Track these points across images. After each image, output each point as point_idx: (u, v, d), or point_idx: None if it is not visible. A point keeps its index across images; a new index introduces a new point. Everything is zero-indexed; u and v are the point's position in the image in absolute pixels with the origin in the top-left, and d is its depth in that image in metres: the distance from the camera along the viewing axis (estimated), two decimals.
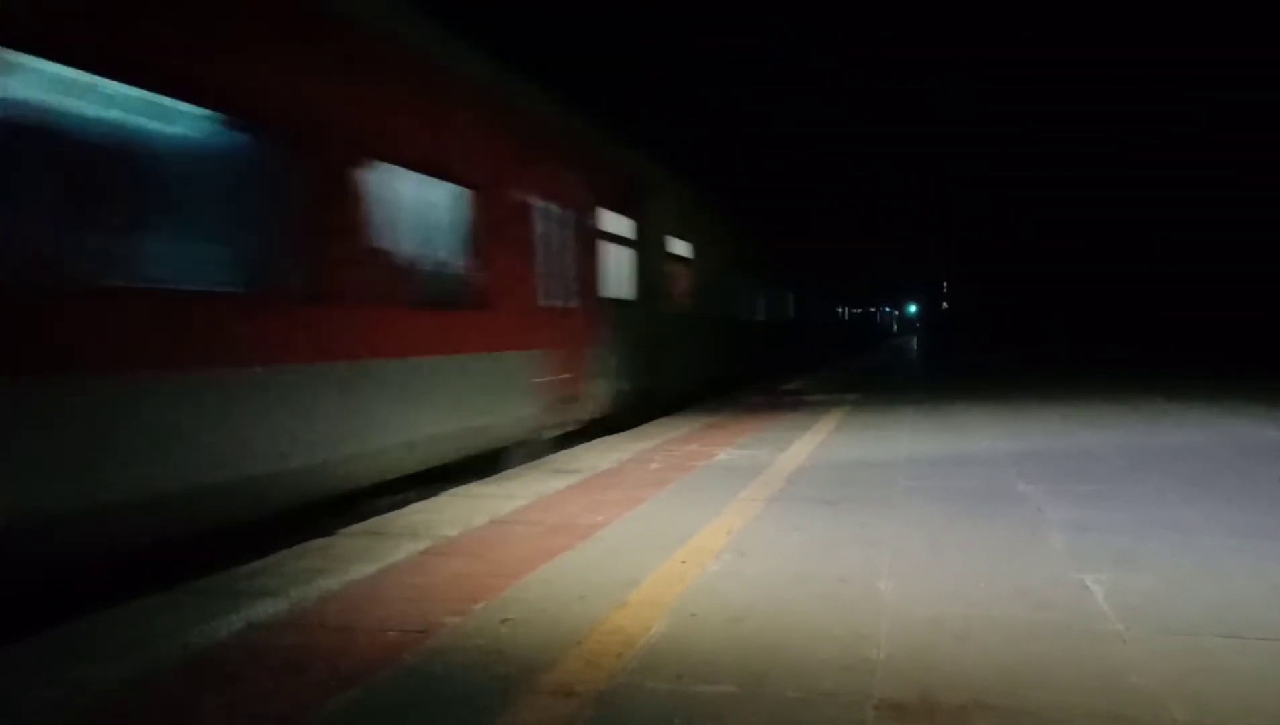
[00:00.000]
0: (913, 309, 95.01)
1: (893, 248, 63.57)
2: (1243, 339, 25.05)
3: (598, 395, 8.96)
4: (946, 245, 62.47)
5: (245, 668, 2.67)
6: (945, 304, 78.06)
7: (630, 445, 7.38)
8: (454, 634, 2.90)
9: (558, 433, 8.04)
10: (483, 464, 6.66)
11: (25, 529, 3.37)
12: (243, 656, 2.76)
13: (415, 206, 6.05)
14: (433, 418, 5.99)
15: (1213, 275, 31.47)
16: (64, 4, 3.64)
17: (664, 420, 9.39)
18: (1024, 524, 4.33)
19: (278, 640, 2.89)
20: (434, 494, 5.46)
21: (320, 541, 4.18)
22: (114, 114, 3.82)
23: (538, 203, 7.74)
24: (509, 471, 6.22)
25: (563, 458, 6.81)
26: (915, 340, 54.87)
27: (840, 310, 38.62)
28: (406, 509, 4.94)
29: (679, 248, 12.50)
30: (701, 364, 13.70)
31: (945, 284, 77.26)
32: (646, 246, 10.83)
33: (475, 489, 5.54)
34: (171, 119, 4.11)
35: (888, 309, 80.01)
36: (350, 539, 4.24)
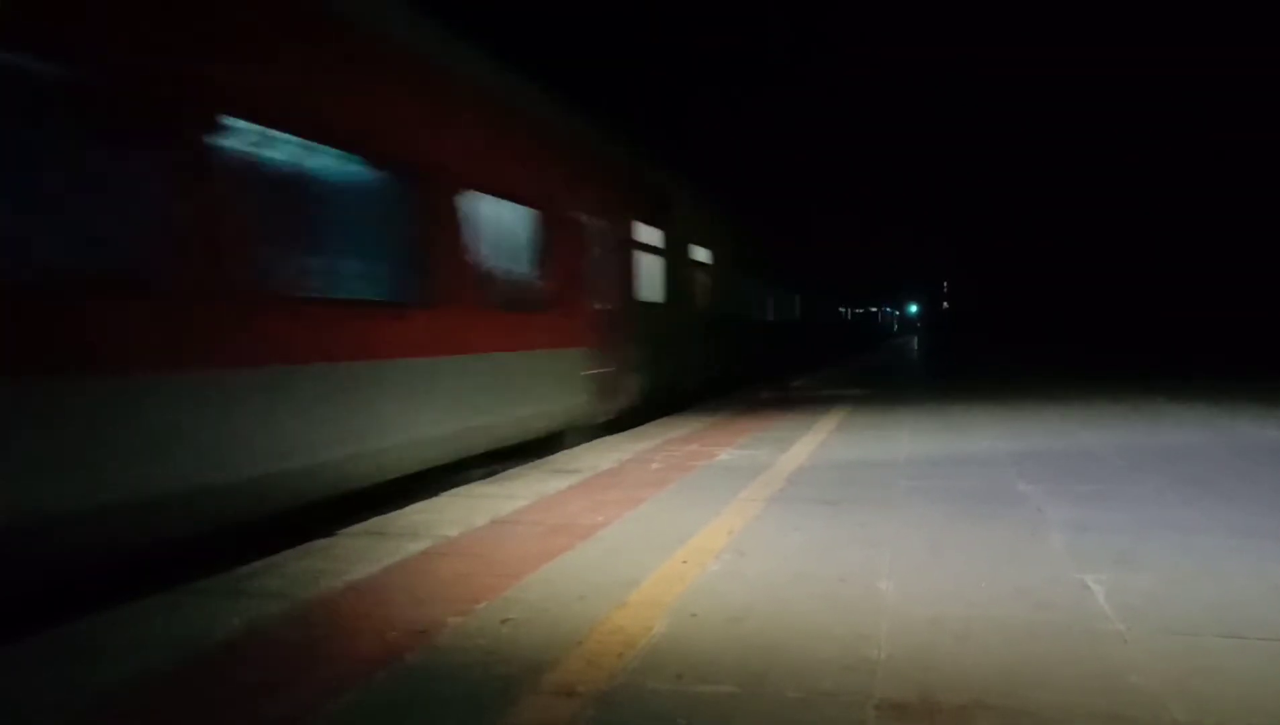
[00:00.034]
0: (913, 309, 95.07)
1: (893, 248, 63.66)
2: (1243, 339, 25.05)
3: (633, 387, 10.14)
4: (946, 245, 62.57)
5: (246, 668, 2.67)
6: (945, 304, 78.11)
7: (630, 445, 7.38)
8: (455, 634, 2.90)
9: (602, 419, 9.17)
10: (547, 444, 7.92)
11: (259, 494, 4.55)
12: (243, 657, 2.76)
13: (503, 226, 7.25)
14: (518, 402, 7.39)
15: (1213, 275, 31.46)
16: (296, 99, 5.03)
17: (664, 420, 9.39)
18: (1024, 524, 4.33)
19: (278, 640, 2.89)
20: (434, 494, 5.46)
21: (321, 542, 4.18)
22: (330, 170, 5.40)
23: (589, 219, 9.02)
24: (509, 472, 6.22)
25: (563, 458, 6.81)
26: (915, 340, 54.87)
27: (843, 310, 38.96)
28: (407, 509, 4.94)
29: (700, 255, 13.62)
30: (719, 360, 14.78)
31: (945, 284, 77.34)
32: (672, 254, 12.02)
33: (476, 489, 5.54)
34: (351, 168, 5.62)
35: (888, 309, 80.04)
36: (351, 539, 4.24)
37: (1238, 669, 2.51)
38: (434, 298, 6.15)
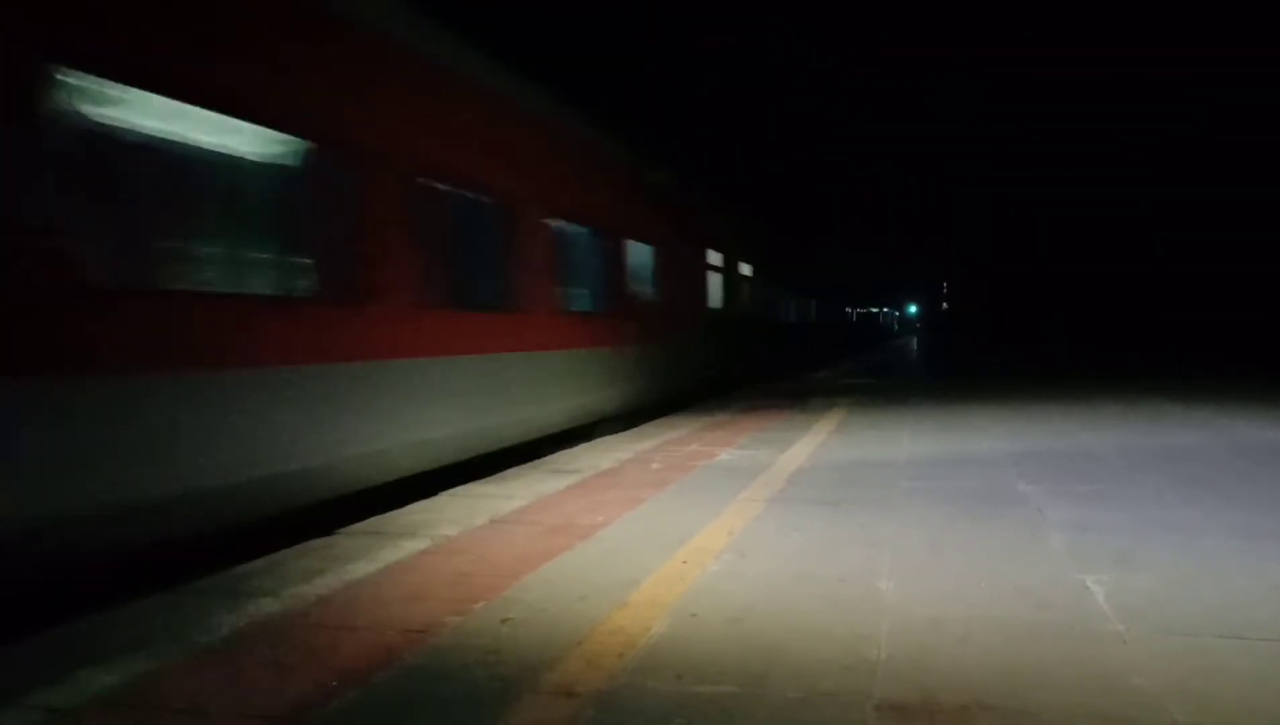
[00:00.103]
0: (913, 309, 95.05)
1: (893, 248, 63.66)
2: (1243, 339, 25.05)
3: (700, 373, 13.34)
4: (946, 245, 62.54)
5: (245, 668, 2.67)
6: (945, 304, 78.08)
7: (630, 445, 7.38)
8: (454, 634, 2.90)
9: (676, 393, 12.07)
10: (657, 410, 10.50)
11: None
12: (243, 657, 2.76)
13: (632, 257, 10.35)
14: (644, 376, 10.59)
15: (1213, 275, 31.45)
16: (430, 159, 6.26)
17: (664, 420, 9.39)
18: (1024, 524, 4.33)
19: (278, 640, 2.89)
20: (433, 494, 5.45)
21: (319, 541, 4.18)
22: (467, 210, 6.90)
23: (685, 248, 12.75)
24: (509, 471, 6.22)
25: (563, 458, 6.81)
26: (915, 341, 54.88)
27: (849, 311, 39.50)
28: (406, 509, 4.94)
29: (744, 269, 16.53)
30: (753, 357, 17.52)
31: (945, 284, 77.31)
32: (727, 270, 15.11)
33: (475, 489, 5.54)
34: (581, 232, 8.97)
35: (888, 309, 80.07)
36: (350, 539, 4.24)
37: (1238, 670, 2.51)
38: (619, 309, 9.78)
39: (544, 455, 7.05)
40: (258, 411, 4.55)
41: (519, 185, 7.41)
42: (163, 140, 4.21)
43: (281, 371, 4.72)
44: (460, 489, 5.55)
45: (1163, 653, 2.65)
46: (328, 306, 5.18)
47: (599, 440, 7.95)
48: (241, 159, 4.69)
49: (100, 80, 3.81)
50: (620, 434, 8.29)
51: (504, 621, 3.01)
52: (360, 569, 3.68)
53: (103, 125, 3.88)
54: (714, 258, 14.16)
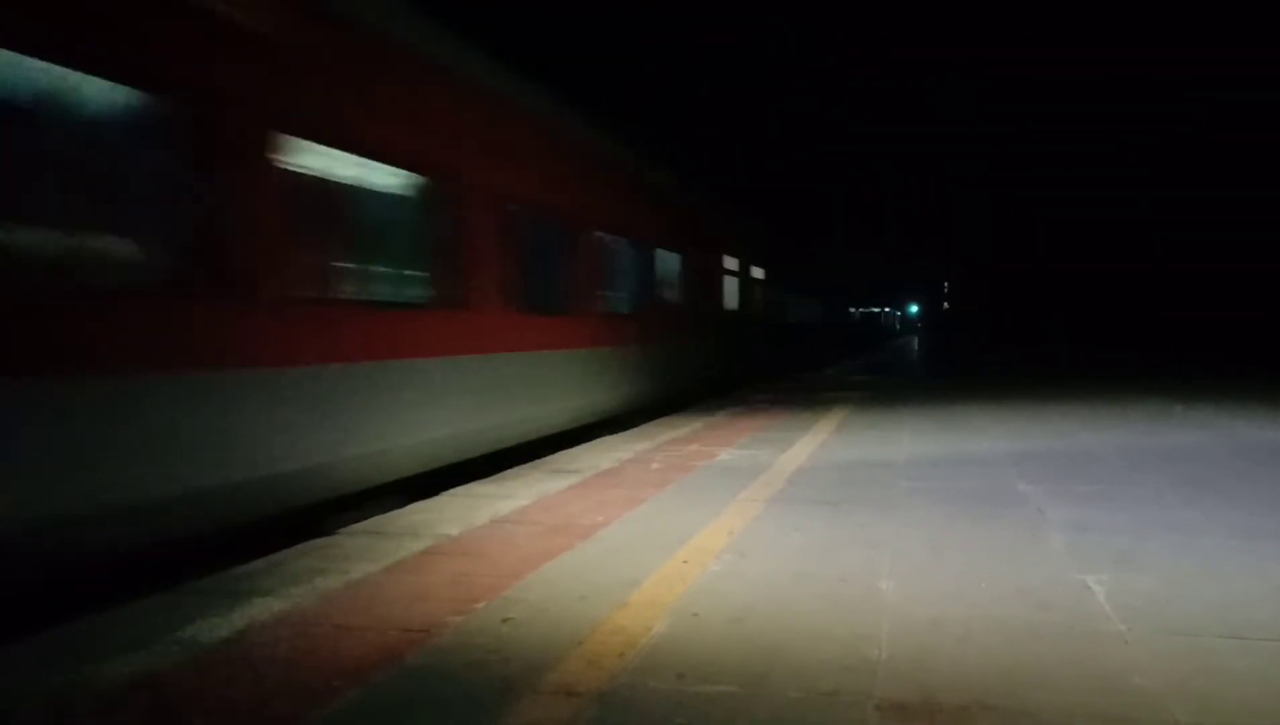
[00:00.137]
0: (913, 309, 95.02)
1: (893, 248, 63.66)
2: (1243, 339, 25.05)
3: (716, 371, 14.41)
4: (946, 245, 62.51)
5: (246, 668, 2.67)
6: (945, 304, 78.02)
7: (631, 445, 7.38)
8: (456, 634, 2.90)
9: (714, 374, 13.96)
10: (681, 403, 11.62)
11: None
12: (243, 657, 2.75)
13: (664, 265, 11.70)
14: (676, 370, 12.10)
15: (1213, 275, 31.46)
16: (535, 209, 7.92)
17: (664, 420, 9.39)
18: (1025, 524, 4.33)
19: (278, 640, 2.89)
20: (434, 494, 5.45)
21: (320, 541, 4.18)
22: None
23: (707, 255, 13.94)
24: (509, 471, 6.22)
25: (563, 458, 6.81)
26: (915, 340, 54.86)
27: (852, 310, 39.90)
28: (407, 509, 4.94)
29: (756, 272, 17.65)
30: (753, 356, 18.17)
31: (945, 284, 77.24)
32: (741, 274, 16.36)
33: (476, 489, 5.54)
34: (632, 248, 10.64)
35: (889, 309, 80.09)
36: (350, 538, 4.24)
37: (1239, 670, 2.51)
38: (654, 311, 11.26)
39: (543, 455, 7.06)
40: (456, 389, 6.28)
41: (579, 206, 8.92)
42: (351, 184, 5.48)
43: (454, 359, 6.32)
44: (461, 489, 5.55)
45: (1163, 653, 2.65)
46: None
47: (599, 440, 7.94)
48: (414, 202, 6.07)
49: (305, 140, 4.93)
50: (620, 434, 8.29)
51: (505, 621, 3.01)
52: (361, 569, 3.68)
53: (305, 171, 4.97)
54: (714, 258, 14.77)
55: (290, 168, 4.77)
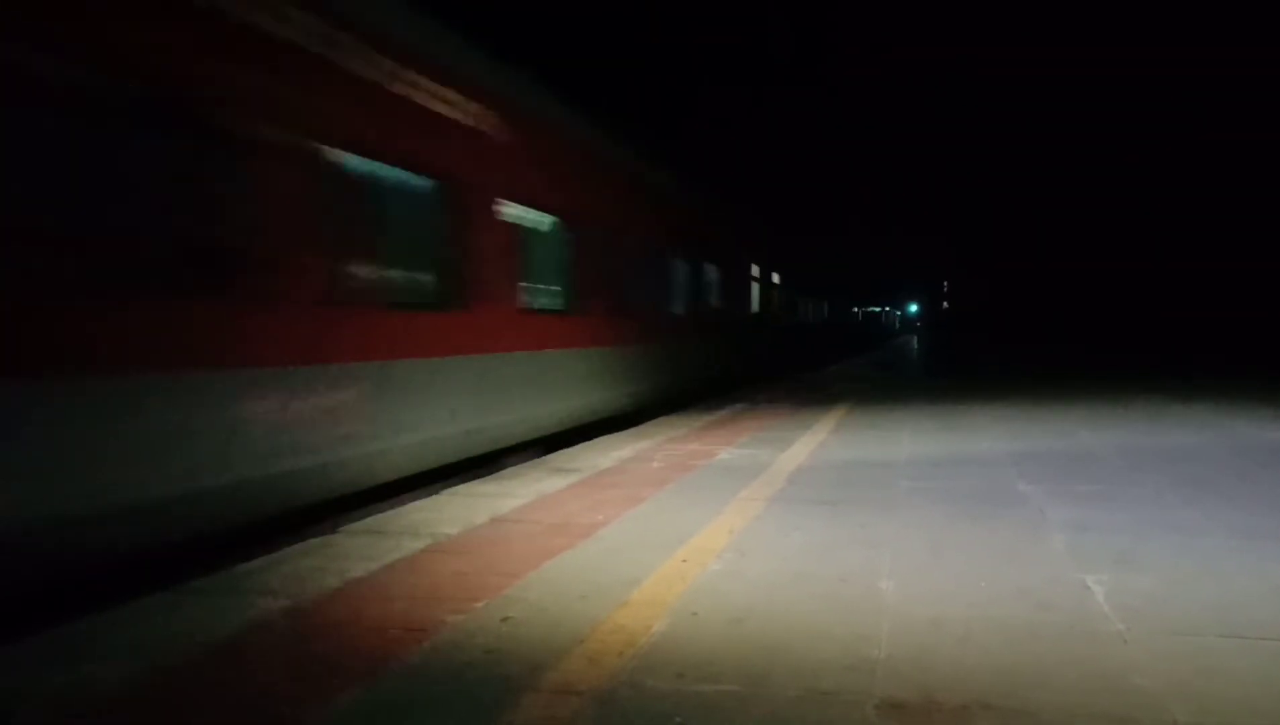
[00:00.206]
0: (913, 309, 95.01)
1: (893, 248, 63.68)
2: (1243, 339, 25.05)
3: (716, 370, 14.97)
4: (946, 245, 62.47)
5: (246, 667, 2.67)
6: (945, 304, 77.98)
7: (631, 444, 7.37)
8: (455, 633, 2.90)
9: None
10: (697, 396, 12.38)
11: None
12: (243, 656, 2.75)
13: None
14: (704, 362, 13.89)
15: (1213, 275, 31.45)
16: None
17: (664, 419, 9.39)
18: (1025, 524, 4.33)
19: (278, 639, 2.89)
20: (434, 492, 5.45)
21: (320, 540, 4.18)
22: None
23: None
24: (508, 470, 6.22)
25: (563, 457, 6.81)
26: (916, 340, 54.87)
27: (855, 310, 40.36)
28: (406, 508, 4.94)
29: (756, 272, 18.27)
30: (763, 355, 19.22)
31: (945, 284, 77.19)
32: (762, 279, 18.00)
33: (475, 488, 5.54)
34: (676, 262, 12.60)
35: (889, 308, 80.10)
36: (350, 537, 4.24)
37: (1239, 670, 2.51)
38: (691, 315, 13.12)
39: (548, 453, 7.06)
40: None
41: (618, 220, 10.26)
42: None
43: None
44: (461, 488, 5.55)
45: (1164, 653, 2.65)
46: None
47: (599, 439, 7.94)
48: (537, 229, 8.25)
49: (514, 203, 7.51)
50: (620, 433, 8.29)
51: (505, 620, 3.01)
52: (361, 568, 3.68)
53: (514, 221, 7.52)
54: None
55: (506, 220, 7.29)
